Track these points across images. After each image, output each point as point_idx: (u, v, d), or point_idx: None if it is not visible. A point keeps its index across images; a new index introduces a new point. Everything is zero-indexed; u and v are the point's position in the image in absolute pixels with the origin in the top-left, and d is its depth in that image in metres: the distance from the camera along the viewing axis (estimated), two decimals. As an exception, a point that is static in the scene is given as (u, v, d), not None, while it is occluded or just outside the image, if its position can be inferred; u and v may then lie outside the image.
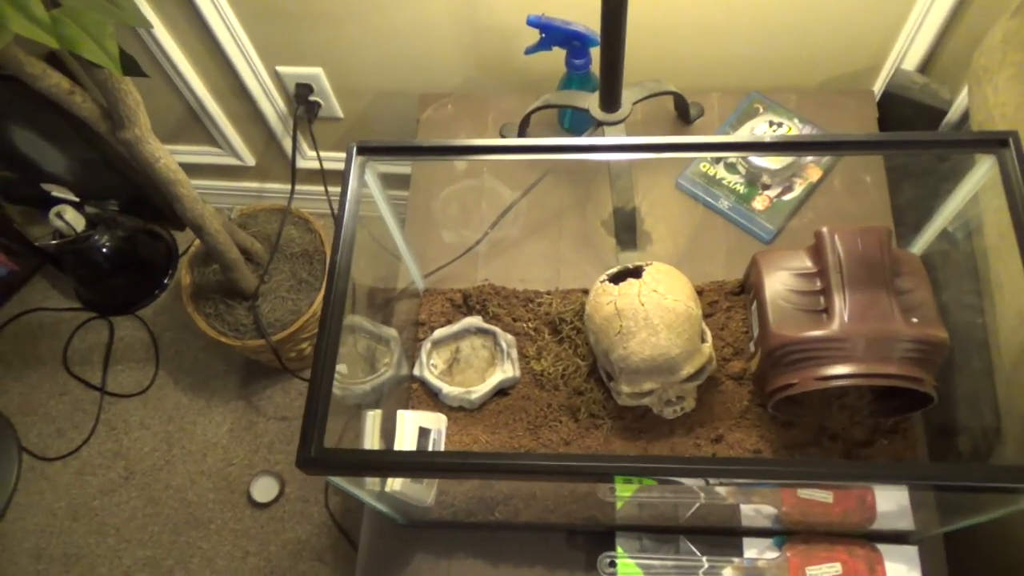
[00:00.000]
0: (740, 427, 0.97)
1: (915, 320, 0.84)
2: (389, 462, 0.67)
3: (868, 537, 0.91)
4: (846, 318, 0.84)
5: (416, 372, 1.04)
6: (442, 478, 0.69)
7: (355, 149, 0.78)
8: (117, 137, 1.07)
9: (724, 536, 0.92)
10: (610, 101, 1.05)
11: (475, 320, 1.06)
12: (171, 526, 1.67)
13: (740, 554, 0.91)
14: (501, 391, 1.03)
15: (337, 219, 0.75)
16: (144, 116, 1.08)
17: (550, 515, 0.96)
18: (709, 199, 1.16)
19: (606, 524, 0.95)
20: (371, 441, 0.91)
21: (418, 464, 0.66)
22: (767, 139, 0.76)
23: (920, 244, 0.96)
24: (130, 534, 1.67)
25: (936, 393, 0.84)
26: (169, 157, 1.14)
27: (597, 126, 1.08)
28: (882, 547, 0.90)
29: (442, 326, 1.07)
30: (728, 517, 0.91)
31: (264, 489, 1.67)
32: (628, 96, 1.07)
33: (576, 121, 1.23)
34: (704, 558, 0.91)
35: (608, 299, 0.93)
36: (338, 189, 1.68)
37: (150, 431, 1.77)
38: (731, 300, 1.04)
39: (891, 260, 0.86)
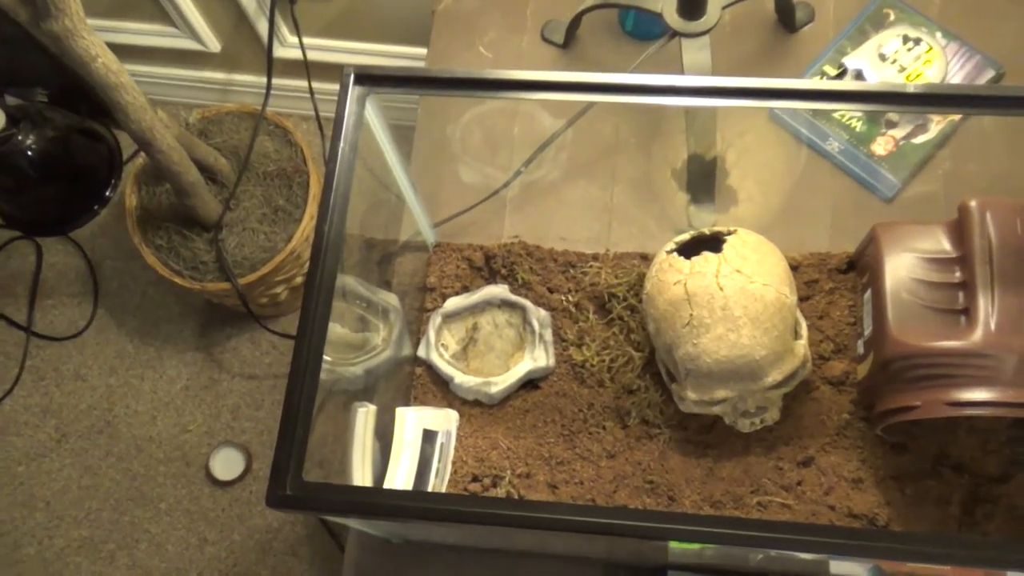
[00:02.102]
0: (836, 447, 0.94)
1: (1084, 331, 0.80)
2: (386, 505, 0.65)
3: (992, 597, 0.89)
4: (993, 326, 0.79)
5: (421, 353, 1.02)
6: (450, 524, 0.67)
7: (352, 78, 0.73)
8: (41, 29, 1.02)
9: (806, 585, 0.90)
10: (692, 5, 0.99)
11: (499, 289, 1.02)
12: (112, 503, 1.70)
13: (825, 609, 0.90)
14: (530, 383, 1.01)
15: (327, 176, 0.71)
16: (75, 1, 1.02)
17: (585, 546, 0.94)
18: (814, 137, 1.10)
19: (655, 561, 0.93)
20: (361, 446, 0.89)
21: (424, 511, 0.64)
22: (910, 89, 0.69)
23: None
24: (63, 509, 1.70)
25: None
26: (109, 55, 1.10)
27: (672, 36, 1.02)
28: (1009, 610, 0.88)
29: (456, 294, 1.04)
30: (812, 564, 0.89)
31: (226, 464, 1.69)
32: (716, -2, 1.00)
33: (642, 24, 1.16)
34: (779, 612, 0.89)
35: (676, 278, 0.89)
36: (325, 86, 1.63)
37: (87, 384, 1.78)
38: (836, 280, 1.00)
39: (1060, 249, 0.81)
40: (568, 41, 1.18)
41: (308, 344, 0.67)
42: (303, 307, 0.68)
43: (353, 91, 0.74)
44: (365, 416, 0.93)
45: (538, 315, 1.01)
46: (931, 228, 0.88)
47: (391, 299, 1.04)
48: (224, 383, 1.75)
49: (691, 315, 0.87)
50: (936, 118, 1.09)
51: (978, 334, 0.79)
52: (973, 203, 0.83)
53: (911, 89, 0.70)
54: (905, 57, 1.11)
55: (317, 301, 0.67)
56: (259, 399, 1.73)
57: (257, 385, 1.74)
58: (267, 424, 1.71)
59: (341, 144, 0.73)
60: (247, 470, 1.69)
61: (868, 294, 0.91)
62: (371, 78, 0.75)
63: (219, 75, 1.80)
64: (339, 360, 0.99)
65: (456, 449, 0.98)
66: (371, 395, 1.00)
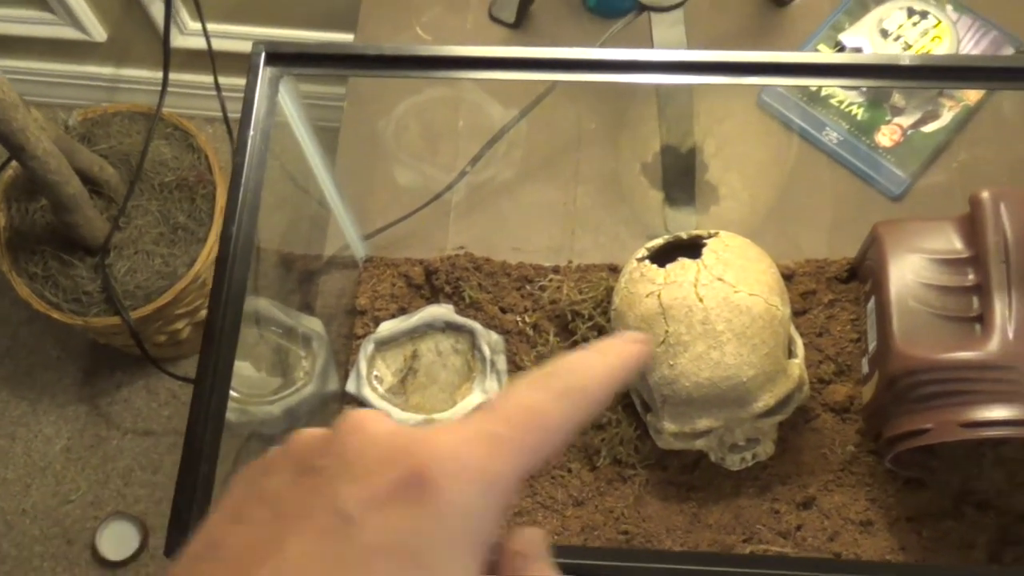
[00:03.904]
0: (841, 485, 0.98)
1: (1116, 337, 0.85)
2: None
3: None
4: (1011, 333, 0.83)
5: (350, 388, 1.04)
6: None
7: (262, 56, 0.77)
8: None
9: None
10: (661, -26, 1.04)
11: (443, 310, 1.06)
12: (-24, 591, 1.69)
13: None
14: (481, 420, 1.03)
15: (234, 171, 0.74)
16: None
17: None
18: (809, 127, 1.15)
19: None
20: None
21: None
22: (906, 60, 0.74)
23: None
24: (-86, 602, 1.69)
25: None
26: (-29, 41, 1.12)
27: (640, 11, 1.07)
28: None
29: (392, 317, 1.07)
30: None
31: (117, 540, 1.69)
32: (690, -34, 1.05)
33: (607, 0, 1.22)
34: None
35: (649, 289, 0.92)
36: (234, 80, 1.66)
37: (-56, 447, 1.77)
38: (836, 290, 1.05)
39: (1085, 244, 0.86)
40: (520, 19, 1.23)
41: (215, 358, 0.70)
42: (207, 320, 0.70)
43: (265, 72, 0.78)
44: (284, 462, 0.95)
45: (489, 339, 1.04)
46: (940, 225, 0.92)
47: (314, 324, 1.06)
48: (114, 442, 1.75)
49: (667, 332, 0.90)
50: (949, 103, 1.15)
51: (995, 343, 0.83)
52: (985, 194, 0.88)
53: (907, 61, 0.75)
54: (910, 32, 1.17)
55: (224, 312, 0.70)
56: (156, 460, 1.74)
57: (154, 443, 1.75)
58: (166, 490, 1.72)
59: (251, 133, 0.76)
60: (143, 547, 1.69)
61: (871, 303, 0.96)
62: (286, 56, 0.78)
63: (106, 70, 1.82)
64: (252, 398, 1.02)
65: (394, 500, 1.00)
66: (292, 439, 1.02)
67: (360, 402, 1.04)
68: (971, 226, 0.89)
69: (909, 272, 0.91)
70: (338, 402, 1.06)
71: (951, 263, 0.90)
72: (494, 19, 1.24)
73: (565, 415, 0.36)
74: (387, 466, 0.33)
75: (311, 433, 0.36)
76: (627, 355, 0.39)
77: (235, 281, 0.73)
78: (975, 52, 1.16)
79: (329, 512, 0.32)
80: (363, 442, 0.34)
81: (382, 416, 0.35)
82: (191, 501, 0.68)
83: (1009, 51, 1.16)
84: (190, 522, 0.68)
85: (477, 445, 0.34)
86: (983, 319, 0.86)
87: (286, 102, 0.81)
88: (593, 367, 0.38)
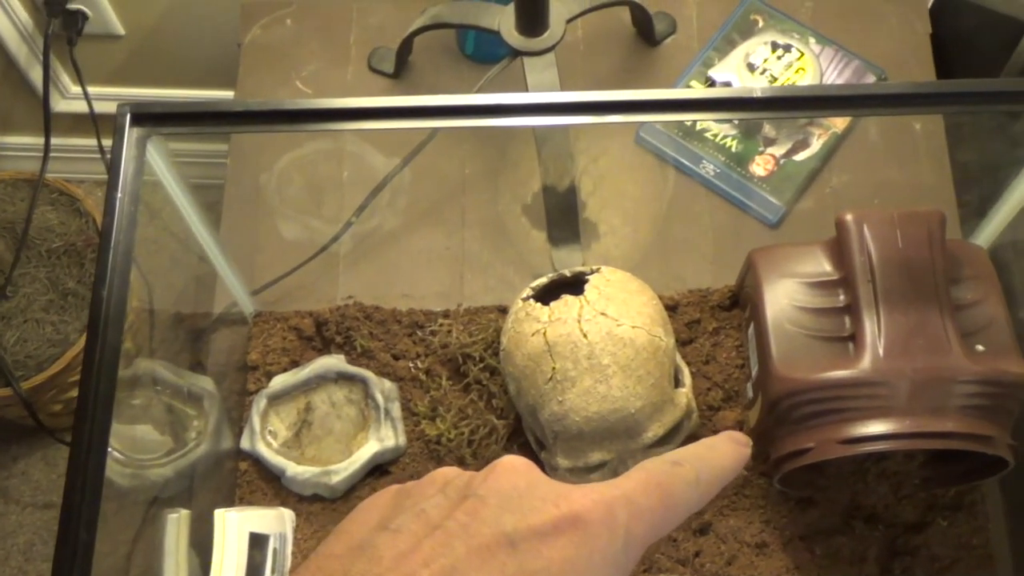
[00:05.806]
0: (735, 509, 1.00)
1: (981, 349, 0.88)
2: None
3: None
4: (881, 350, 0.86)
5: (245, 444, 1.04)
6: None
7: (128, 118, 0.77)
8: None
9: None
10: (531, 20, 1.06)
11: (334, 361, 1.06)
12: None
13: None
14: (378, 468, 1.03)
15: (103, 233, 0.74)
16: None
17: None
18: (686, 161, 1.18)
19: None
20: (175, 562, 0.90)
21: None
22: (758, 93, 0.77)
23: (989, 232, 1.00)
24: None
25: (1013, 454, 0.88)
26: None
27: (514, 56, 1.09)
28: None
29: (284, 371, 1.07)
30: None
31: (20, 618, 1.65)
32: (559, 10, 1.08)
33: (484, 46, 1.24)
34: None
35: (535, 328, 0.94)
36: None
37: None
38: (720, 318, 1.07)
39: (945, 260, 0.89)
40: (400, 69, 1.24)
41: (90, 424, 0.69)
42: (81, 383, 0.70)
43: (131, 132, 0.77)
44: (177, 524, 0.94)
45: (382, 387, 1.04)
46: (810, 249, 0.95)
47: (205, 383, 1.06)
48: (12, 516, 1.71)
49: (554, 368, 0.92)
50: (818, 131, 1.19)
51: (866, 360, 0.86)
52: (849, 217, 0.91)
53: (759, 93, 0.78)
54: (775, 66, 1.21)
55: (98, 375, 0.70)
56: (58, 533, 1.70)
57: (55, 515, 1.71)
58: (70, 563, 1.68)
59: (119, 194, 0.75)
60: (47, 624, 1.65)
61: (751, 329, 0.98)
62: (152, 116, 0.78)
63: (-14, 138, 1.80)
64: (144, 461, 1.00)
65: (294, 555, 0.99)
66: (187, 499, 1.01)
67: (255, 458, 1.03)
68: (838, 248, 0.92)
69: (784, 296, 0.94)
70: (232, 459, 1.05)
71: (822, 285, 0.93)
72: (374, 70, 1.26)
73: (689, 502, 0.39)
74: (549, 505, 0.35)
75: (457, 470, 0.38)
76: (743, 457, 0.42)
77: (108, 344, 0.72)
78: (838, 82, 1.20)
79: (495, 533, 0.34)
80: (524, 481, 0.36)
81: (533, 464, 0.38)
82: (71, 569, 0.66)
83: (871, 78, 1.20)
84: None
85: (623, 506, 0.36)
86: (855, 338, 0.89)
87: (156, 162, 0.80)
88: (715, 463, 0.41)
